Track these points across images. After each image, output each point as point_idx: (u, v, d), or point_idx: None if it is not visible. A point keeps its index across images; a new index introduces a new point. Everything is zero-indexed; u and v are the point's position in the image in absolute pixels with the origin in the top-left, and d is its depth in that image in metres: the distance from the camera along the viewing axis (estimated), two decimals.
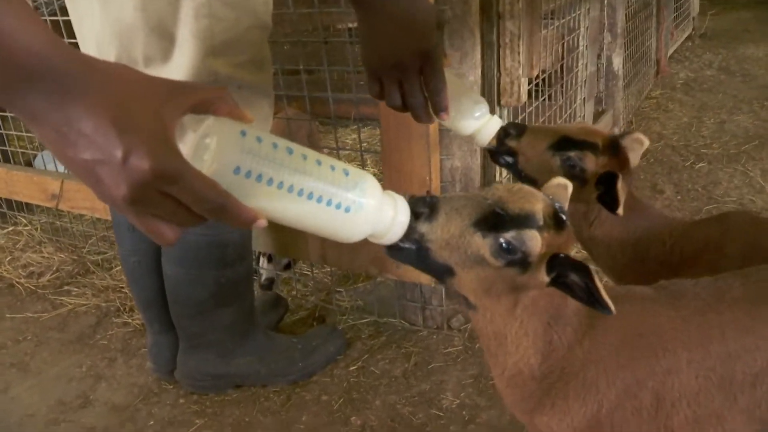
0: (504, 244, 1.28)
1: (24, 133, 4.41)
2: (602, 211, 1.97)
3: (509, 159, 1.90)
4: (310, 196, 1.07)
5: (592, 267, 1.26)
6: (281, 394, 2.79)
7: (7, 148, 4.26)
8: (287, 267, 3.40)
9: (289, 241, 3.08)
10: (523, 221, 1.29)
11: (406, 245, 1.28)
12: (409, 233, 1.25)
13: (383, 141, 2.68)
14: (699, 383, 1.48)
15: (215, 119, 1.01)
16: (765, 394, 1.50)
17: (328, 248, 2.99)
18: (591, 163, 1.85)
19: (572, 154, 1.84)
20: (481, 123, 1.76)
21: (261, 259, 3.41)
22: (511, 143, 1.88)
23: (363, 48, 1.70)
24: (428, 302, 3.04)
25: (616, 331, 1.50)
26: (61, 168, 3.98)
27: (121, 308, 3.51)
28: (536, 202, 1.33)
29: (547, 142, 1.87)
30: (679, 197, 4.33)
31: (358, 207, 1.12)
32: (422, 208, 1.28)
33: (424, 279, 2.83)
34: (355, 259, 2.95)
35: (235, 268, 2.60)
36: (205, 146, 1.00)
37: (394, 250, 1.29)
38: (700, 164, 4.80)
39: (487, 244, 1.28)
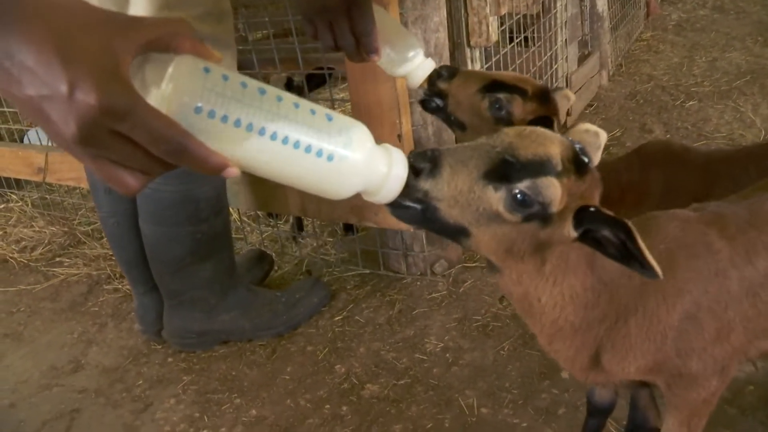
0: (518, 196, 1.16)
1: (13, 109, 4.37)
2: None
3: (439, 102, 1.90)
4: (285, 140, 0.95)
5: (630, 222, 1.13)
6: (267, 347, 2.81)
7: None
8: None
9: (268, 195, 3.08)
10: (537, 168, 1.16)
11: (410, 205, 1.15)
12: (411, 192, 1.13)
13: (350, 86, 2.65)
14: (749, 301, 1.46)
15: (178, 58, 0.92)
16: None
17: (308, 201, 2.98)
18: (518, 108, 1.88)
19: (501, 96, 1.86)
20: (414, 64, 1.76)
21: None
22: (442, 85, 1.88)
23: None
24: (410, 249, 3.04)
25: (670, 256, 1.43)
26: (45, 141, 3.98)
27: (112, 275, 3.54)
28: (552, 145, 1.19)
29: (478, 85, 1.89)
30: (668, 136, 4.29)
31: (343, 156, 1.00)
32: (423, 163, 1.15)
33: (404, 225, 2.82)
34: (335, 209, 2.94)
35: (210, 223, 2.60)
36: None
37: (397, 208, 1.16)
38: (691, 102, 4.74)
39: (500, 198, 1.16)
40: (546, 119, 1.83)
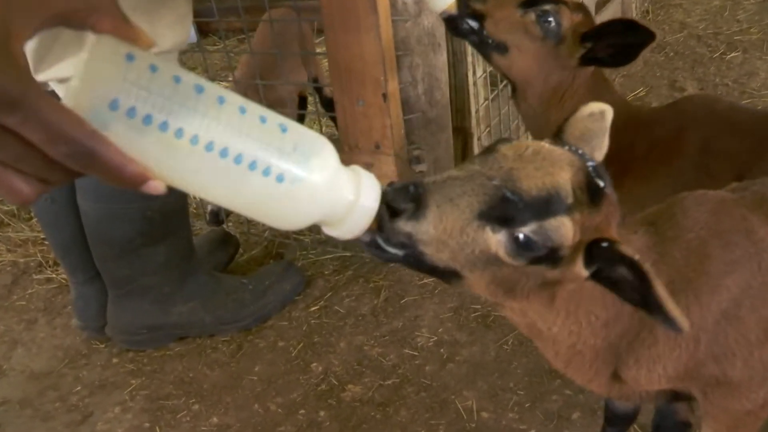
0: (522, 240, 1.15)
1: None
2: (577, 80, 2.13)
3: (474, 24, 2.03)
4: (223, 153, 0.90)
5: (646, 263, 1.13)
6: (231, 343, 2.88)
7: None
8: None
9: None
10: (544, 206, 1.15)
11: (390, 250, 1.15)
12: (391, 235, 1.13)
13: (327, 36, 2.72)
14: None
15: (96, 38, 0.87)
16: None
17: None
18: (567, 18, 2.04)
19: (548, 7, 2.02)
20: None
21: None
22: (477, 5, 2.02)
23: None
24: None
25: (701, 246, 1.44)
26: None
27: (43, 263, 3.56)
28: (560, 171, 1.18)
29: (517, 0, 2.04)
30: None
31: (296, 177, 0.95)
32: (404, 203, 1.14)
33: None
34: None
35: (163, 198, 2.63)
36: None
37: (375, 249, 1.16)
38: (733, 54, 4.78)
39: (499, 241, 1.16)
40: (625, 23, 1.97)
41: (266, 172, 0.93)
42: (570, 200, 1.17)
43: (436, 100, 2.94)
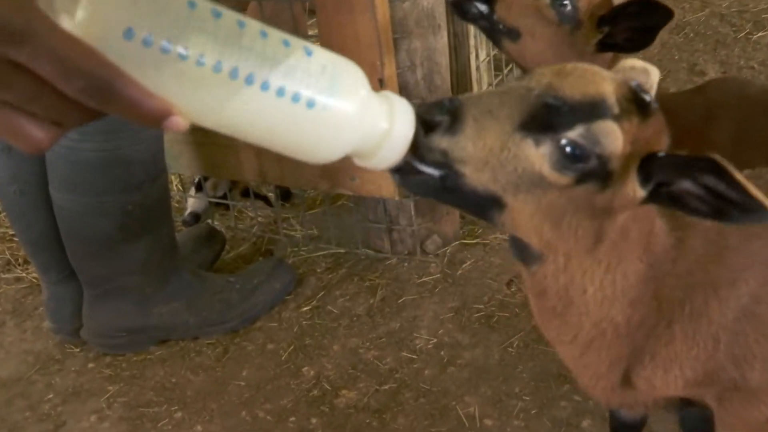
0: (568, 149, 1.16)
1: None
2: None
3: (483, 7, 2.05)
4: (249, 80, 0.91)
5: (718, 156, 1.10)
6: (217, 346, 2.92)
7: None
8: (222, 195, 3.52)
9: (218, 157, 3.19)
10: (590, 110, 1.17)
11: (426, 170, 1.14)
12: (426, 153, 1.13)
13: (320, 18, 2.76)
14: None
15: None
16: None
17: (267, 162, 3.09)
18: (584, 1, 2.04)
19: None
20: None
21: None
22: None
23: None
24: (395, 222, 3.16)
25: (718, 238, 1.46)
26: None
27: (12, 261, 3.59)
28: (603, 83, 1.20)
29: None
30: None
31: (327, 104, 0.96)
32: (439, 115, 1.14)
33: (387, 192, 2.94)
34: (301, 173, 3.06)
35: (144, 190, 2.69)
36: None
37: (407, 175, 1.14)
38: (760, 33, 4.75)
39: (543, 155, 1.17)
40: (646, 3, 1.93)
41: (296, 98, 0.93)
42: (616, 110, 1.18)
43: (437, 85, 2.97)
